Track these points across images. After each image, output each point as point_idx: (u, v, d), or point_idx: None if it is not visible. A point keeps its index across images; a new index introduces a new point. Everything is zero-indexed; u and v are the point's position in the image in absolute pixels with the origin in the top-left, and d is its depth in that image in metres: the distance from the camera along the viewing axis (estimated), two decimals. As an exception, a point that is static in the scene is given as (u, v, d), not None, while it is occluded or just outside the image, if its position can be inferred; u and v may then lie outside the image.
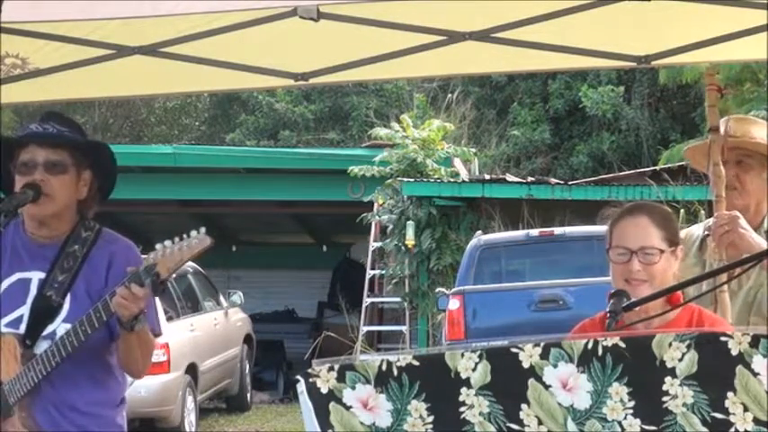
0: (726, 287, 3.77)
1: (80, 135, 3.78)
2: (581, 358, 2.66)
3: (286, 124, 28.97)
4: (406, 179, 16.07)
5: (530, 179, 17.29)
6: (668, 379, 2.62)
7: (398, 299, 16.59)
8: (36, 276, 3.67)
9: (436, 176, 16.65)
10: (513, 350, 2.69)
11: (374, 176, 16.65)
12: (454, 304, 12.39)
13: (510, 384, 2.68)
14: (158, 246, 3.43)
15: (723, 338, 2.62)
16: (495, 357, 2.70)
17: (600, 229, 3.49)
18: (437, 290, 14.18)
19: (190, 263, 4.20)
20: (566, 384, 2.66)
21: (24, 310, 3.64)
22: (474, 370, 2.69)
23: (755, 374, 2.58)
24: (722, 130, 4.07)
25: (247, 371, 16.10)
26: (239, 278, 22.08)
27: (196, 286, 15.02)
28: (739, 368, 2.59)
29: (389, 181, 16.45)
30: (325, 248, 22.43)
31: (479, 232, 13.79)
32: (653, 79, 23.88)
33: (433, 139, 17.06)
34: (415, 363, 2.72)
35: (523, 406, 2.67)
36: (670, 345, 2.63)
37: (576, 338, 2.70)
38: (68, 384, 3.61)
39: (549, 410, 2.66)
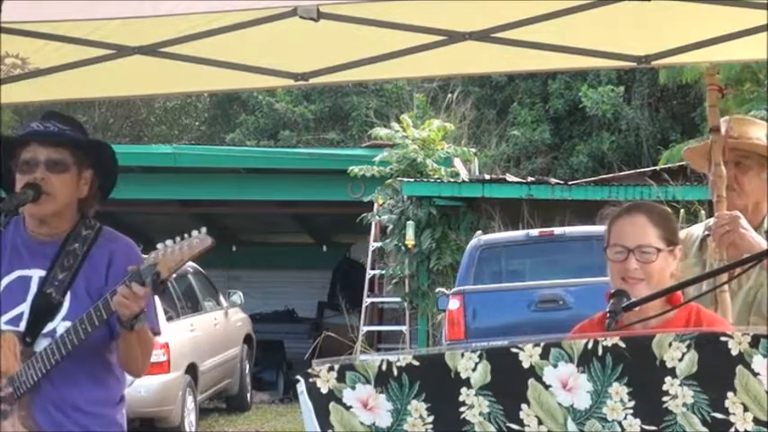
0: (726, 287, 3.78)
1: (81, 134, 3.78)
2: (581, 358, 2.66)
3: (286, 124, 28.97)
4: (406, 179, 16.07)
5: (530, 179, 17.29)
6: (668, 379, 2.62)
7: (398, 299, 16.59)
8: (36, 274, 3.67)
9: (436, 176, 16.64)
10: (513, 350, 2.69)
11: (374, 176, 16.64)
12: (454, 304, 12.39)
13: (510, 384, 2.68)
14: (159, 245, 3.43)
15: (723, 338, 2.62)
16: (495, 357, 2.70)
17: (600, 229, 3.49)
18: (437, 290, 14.17)
19: (190, 263, 4.21)
20: (566, 384, 2.66)
21: (24, 308, 3.64)
22: (474, 370, 2.69)
23: (755, 374, 2.58)
24: (722, 130, 4.08)
25: (247, 371, 16.10)
26: (239, 278, 22.08)
27: (196, 286, 15.02)
28: (739, 368, 2.59)
29: (389, 181, 16.45)
30: (325, 248, 22.43)
31: (479, 232, 13.79)
32: (653, 79, 23.88)
33: (433, 139, 17.06)
34: (415, 363, 2.72)
35: (523, 406, 2.67)
36: (670, 345, 2.63)
37: (575, 338, 2.70)
38: (68, 383, 3.61)
39: (549, 410, 2.66)
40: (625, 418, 2.63)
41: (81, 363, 3.59)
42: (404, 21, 4.06)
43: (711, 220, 4.04)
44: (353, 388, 2.72)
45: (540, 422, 2.66)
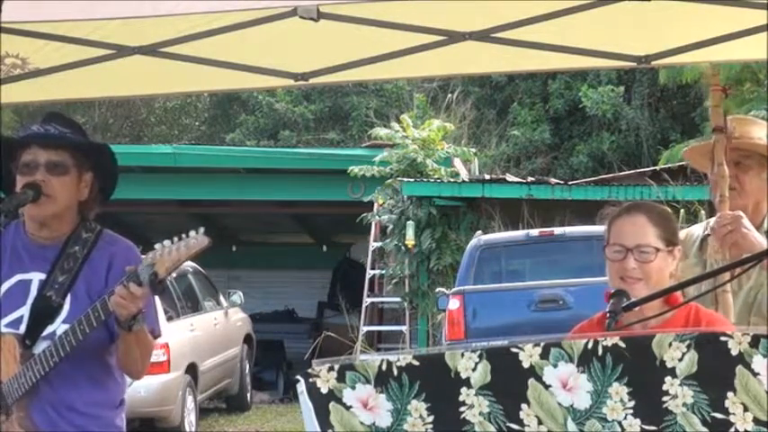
0: (728, 287, 3.77)
1: (82, 136, 3.78)
2: (581, 358, 2.66)
3: (286, 124, 28.97)
4: (406, 179, 16.07)
5: (530, 179, 17.29)
6: (668, 379, 2.62)
7: (398, 299, 16.59)
8: (36, 277, 3.67)
9: (436, 176, 16.65)
10: (513, 350, 2.69)
11: (374, 176, 16.65)
12: (454, 304, 12.39)
13: (510, 384, 2.68)
14: (157, 245, 3.43)
15: (723, 338, 2.62)
16: (495, 357, 2.70)
17: (600, 229, 3.49)
18: (437, 290, 14.17)
19: (190, 263, 4.22)
20: (566, 384, 2.66)
21: (24, 311, 3.64)
22: (474, 370, 2.69)
23: (755, 374, 2.58)
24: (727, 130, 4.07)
25: (247, 371, 16.10)
26: (239, 278, 22.07)
27: (196, 286, 15.02)
28: (739, 368, 2.59)
29: (389, 181, 16.45)
30: (325, 248, 22.44)
31: (479, 232, 13.79)
32: (653, 79, 23.89)
33: (433, 139, 17.06)
34: (415, 363, 2.72)
35: (523, 406, 2.67)
36: (670, 345, 2.63)
37: (575, 338, 2.70)
38: (67, 385, 3.61)
39: (549, 410, 2.66)
40: (625, 417, 2.63)
41: (80, 365, 3.59)
42: (404, 21, 4.06)
43: (712, 220, 4.03)
44: (353, 388, 2.72)
45: (539, 422, 2.66)
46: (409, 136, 16.97)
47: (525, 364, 2.67)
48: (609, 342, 2.66)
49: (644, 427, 2.62)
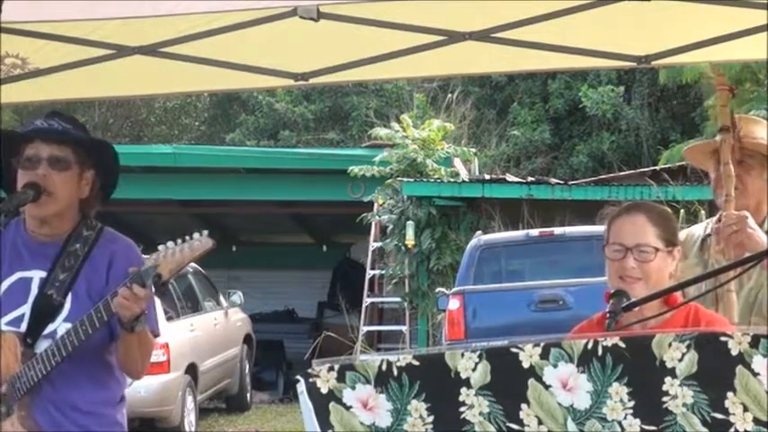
0: (733, 287, 3.76)
1: (84, 134, 3.78)
2: (581, 358, 2.66)
3: (286, 124, 28.97)
4: (406, 179, 16.08)
5: (530, 179, 17.29)
6: (668, 379, 2.62)
7: (398, 299, 16.60)
8: (37, 275, 3.66)
9: (436, 176, 16.65)
10: (513, 350, 2.69)
11: (374, 176, 16.65)
12: (454, 304, 12.39)
13: (510, 384, 2.68)
14: (161, 247, 3.43)
15: (723, 338, 2.61)
16: (495, 357, 2.70)
17: (600, 229, 3.48)
18: (437, 290, 14.18)
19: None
20: (566, 384, 2.66)
21: (25, 309, 3.63)
22: (474, 370, 2.69)
23: (755, 374, 2.58)
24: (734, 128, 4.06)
25: (247, 371, 16.10)
26: (239, 278, 22.07)
27: (196, 286, 15.03)
28: (739, 368, 2.59)
29: (389, 181, 16.45)
30: (325, 248, 22.44)
31: (479, 232, 13.79)
32: (653, 79, 23.89)
33: (433, 139, 17.07)
34: (415, 363, 2.72)
35: (523, 406, 2.67)
36: (670, 345, 2.63)
37: (575, 339, 2.70)
38: (69, 384, 3.61)
39: (549, 410, 2.66)
40: (625, 418, 2.63)
41: (81, 364, 3.59)
42: (404, 21, 4.06)
43: (712, 220, 4.03)
44: (353, 388, 2.72)
45: (539, 422, 2.66)
46: (409, 136, 16.97)
47: (525, 365, 2.67)
48: (609, 342, 2.66)
49: (644, 427, 2.62)
